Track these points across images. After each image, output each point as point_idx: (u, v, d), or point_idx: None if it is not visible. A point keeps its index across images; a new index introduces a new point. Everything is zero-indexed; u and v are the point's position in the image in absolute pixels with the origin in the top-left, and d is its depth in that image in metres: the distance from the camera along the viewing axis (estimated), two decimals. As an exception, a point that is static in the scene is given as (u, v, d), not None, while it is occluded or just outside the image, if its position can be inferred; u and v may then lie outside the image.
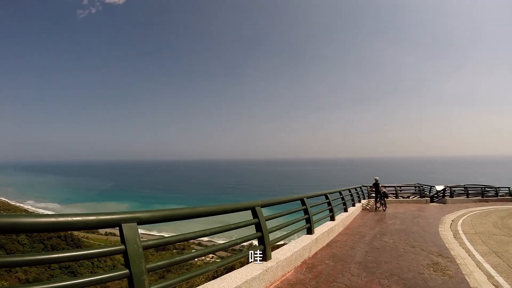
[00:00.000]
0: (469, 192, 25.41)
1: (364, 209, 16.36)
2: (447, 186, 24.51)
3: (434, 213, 16.00)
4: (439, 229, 11.06)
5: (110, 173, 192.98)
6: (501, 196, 27.14)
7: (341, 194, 11.78)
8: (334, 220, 9.50)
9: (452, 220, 13.53)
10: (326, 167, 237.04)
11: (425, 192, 23.95)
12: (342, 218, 10.51)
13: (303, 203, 7.22)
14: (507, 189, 29.33)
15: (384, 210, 16.20)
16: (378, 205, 16.87)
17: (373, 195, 17.40)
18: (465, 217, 14.74)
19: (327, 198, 9.39)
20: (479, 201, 25.02)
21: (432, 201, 23.36)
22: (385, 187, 20.77)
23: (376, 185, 16.93)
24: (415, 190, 23.97)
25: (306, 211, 7.20)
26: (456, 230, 11.08)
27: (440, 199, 24.29)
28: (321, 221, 8.74)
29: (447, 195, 24.15)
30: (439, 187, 25.60)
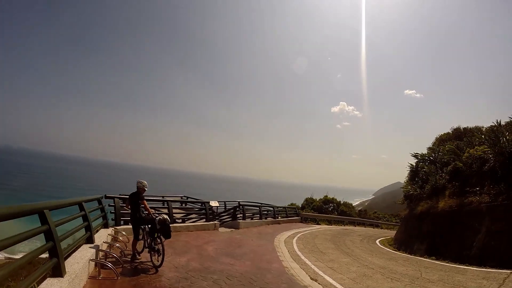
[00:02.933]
0: (263, 211, 23.83)
1: (99, 266, 6.19)
2: (240, 204, 19.56)
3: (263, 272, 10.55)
4: None
5: None
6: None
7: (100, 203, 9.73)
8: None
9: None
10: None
11: (212, 211, 17.12)
12: None
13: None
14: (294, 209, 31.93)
15: (159, 267, 7.71)
16: (139, 249, 8.56)
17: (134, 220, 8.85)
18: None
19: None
20: (272, 223, 23.92)
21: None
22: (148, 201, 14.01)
23: (135, 196, 8.41)
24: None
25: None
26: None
27: (228, 221, 19.92)
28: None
29: (239, 216, 20.28)
30: (214, 203, 19.74)
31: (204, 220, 16.44)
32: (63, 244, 6.54)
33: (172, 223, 13.55)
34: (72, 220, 6.80)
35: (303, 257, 11.61)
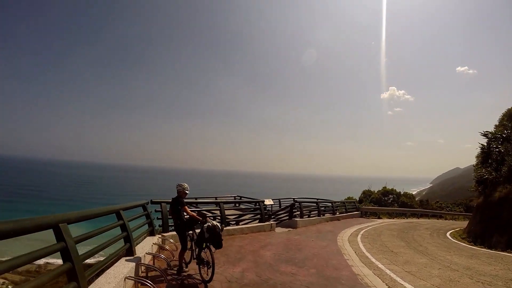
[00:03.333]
0: (320, 207, 21.92)
1: (138, 284, 5.76)
2: (296, 201, 18.34)
3: None
4: None
5: None
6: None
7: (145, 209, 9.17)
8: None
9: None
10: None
11: (267, 210, 15.86)
12: None
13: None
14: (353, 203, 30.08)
15: (208, 281, 6.38)
16: (187, 259, 7.32)
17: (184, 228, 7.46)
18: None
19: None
20: (331, 219, 22.17)
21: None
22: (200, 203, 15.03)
23: (175, 201, 7.27)
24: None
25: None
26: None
27: (285, 220, 18.66)
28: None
29: (296, 214, 18.88)
30: (268, 201, 18.57)
31: (259, 220, 15.17)
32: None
33: (225, 226, 12.46)
34: (107, 231, 5.77)
35: (373, 260, 9.86)
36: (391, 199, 39.69)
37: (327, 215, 22.12)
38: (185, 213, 6.94)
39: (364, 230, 17.87)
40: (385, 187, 40.39)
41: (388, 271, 8.44)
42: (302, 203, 19.74)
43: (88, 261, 5.61)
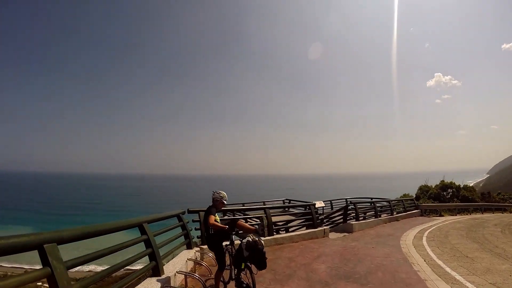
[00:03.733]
0: (377, 208, 19.55)
1: None
2: (351, 202, 16.11)
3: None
4: None
5: None
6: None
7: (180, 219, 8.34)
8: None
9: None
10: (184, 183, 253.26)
11: (318, 214, 14.38)
12: None
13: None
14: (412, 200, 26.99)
15: None
16: (226, 277, 5.92)
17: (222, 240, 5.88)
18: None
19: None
20: (389, 220, 19.76)
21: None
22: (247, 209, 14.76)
23: (210, 211, 5.63)
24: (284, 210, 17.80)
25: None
26: None
27: (339, 223, 17.00)
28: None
29: (351, 216, 17.04)
30: (319, 203, 16.97)
31: (310, 226, 13.50)
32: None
33: (272, 235, 11.07)
34: (122, 250, 4.56)
35: (448, 270, 7.96)
36: (450, 193, 36.32)
37: (384, 216, 19.77)
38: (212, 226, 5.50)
39: (428, 231, 15.67)
40: (443, 181, 36.94)
41: (469, 285, 6.64)
42: (357, 204, 17.79)
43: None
